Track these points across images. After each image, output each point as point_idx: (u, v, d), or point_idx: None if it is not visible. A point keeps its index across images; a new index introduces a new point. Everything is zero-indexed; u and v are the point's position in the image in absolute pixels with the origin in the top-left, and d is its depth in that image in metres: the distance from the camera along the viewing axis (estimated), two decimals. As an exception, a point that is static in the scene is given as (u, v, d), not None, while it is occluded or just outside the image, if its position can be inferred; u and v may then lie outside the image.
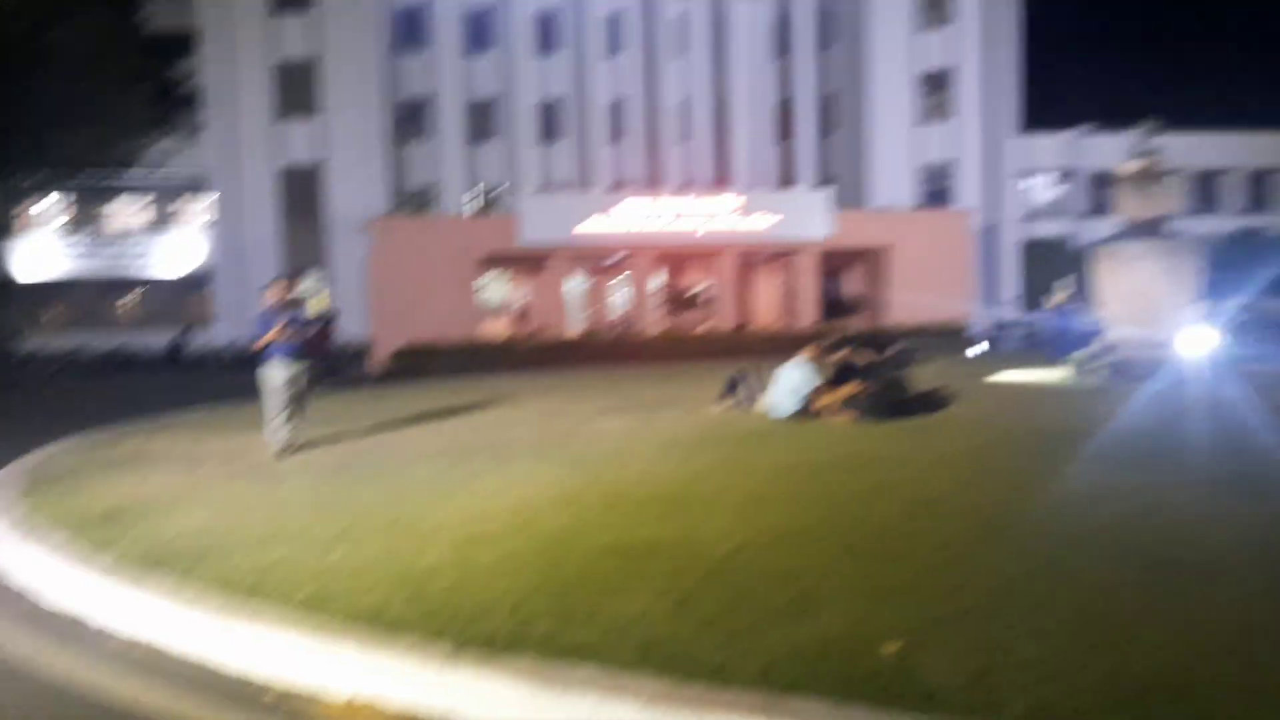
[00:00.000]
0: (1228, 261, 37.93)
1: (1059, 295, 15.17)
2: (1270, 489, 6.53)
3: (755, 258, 36.22)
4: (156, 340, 33.33)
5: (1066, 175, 42.60)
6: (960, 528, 5.65)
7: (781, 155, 40.01)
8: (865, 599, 4.37)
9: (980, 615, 4.14)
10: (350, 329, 33.24)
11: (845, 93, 39.55)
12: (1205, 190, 42.99)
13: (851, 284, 37.85)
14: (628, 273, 36.87)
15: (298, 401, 9.69)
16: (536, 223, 31.43)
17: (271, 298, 9.62)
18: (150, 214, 36.08)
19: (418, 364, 27.37)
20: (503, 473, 8.15)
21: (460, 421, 12.00)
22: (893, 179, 38.08)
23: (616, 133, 38.87)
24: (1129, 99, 47.62)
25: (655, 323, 33.59)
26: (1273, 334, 15.85)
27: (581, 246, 32.17)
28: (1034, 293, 38.37)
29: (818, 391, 10.55)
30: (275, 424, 9.58)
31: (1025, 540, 5.34)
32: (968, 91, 38.66)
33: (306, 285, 35.17)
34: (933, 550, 5.15)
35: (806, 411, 10.46)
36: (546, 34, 38.19)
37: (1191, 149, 41.64)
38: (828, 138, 39.81)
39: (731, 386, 12.09)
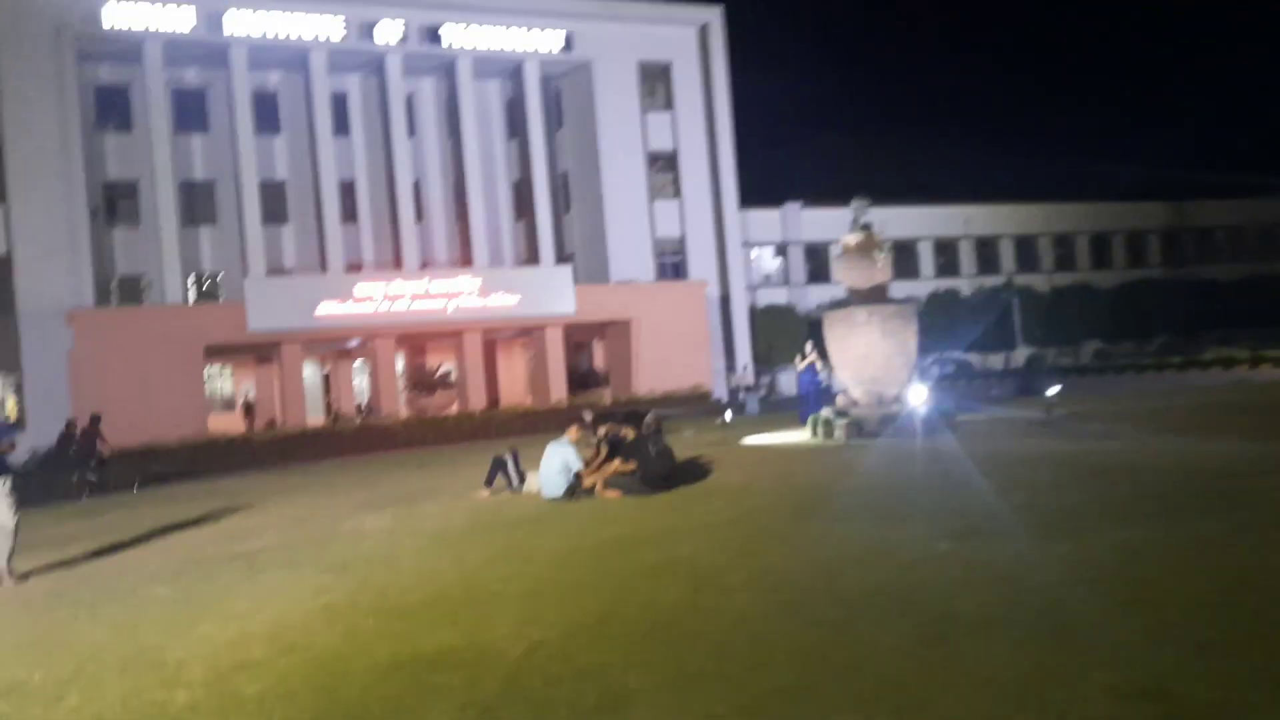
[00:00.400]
0: (928, 322, 42.05)
1: (807, 358, 16.08)
2: (1001, 533, 7.07)
3: (499, 336, 36.15)
4: None
5: (783, 247, 45.91)
6: (749, 600, 5.69)
7: (520, 233, 40.40)
8: (674, 689, 4.25)
9: (790, 694, 4.12)
10: (49, 436, 29.86)
11: (579, 171, 40.70)
12: (904, 257, 47.70)
13: (596, 357, 38.60)
14: (363, 359, 35.67)
15: (4, 525, 8.44)
16: (265, 309, 29.80)
17: None
18: None
19: (138, 469, 24.92)
20: (256, 587, 7.42)
21: (198, 531, 10.93)
22: (631, 253, 39.37)
23: (348, 214, 37.77)
24: (835, 176, 52.29)
25: (400, 408, 32.59)
26: (973, 385, 17.61)
27: (316, 331, 30.81)
28: (763, 357, 40.79)
29: (585, 470, 10.49)
30: None
31: (812, 607, 5.44)
32: (693, 171, 40.89)
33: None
34: (730, 627, 5.13)
35: (576, 490, 10.36)
36: (267, 113, 36.71)
37: (890, 220, 46.12)
38: (565, 215, 40.69)
39: (496, 470, 11.80)
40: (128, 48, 32.92)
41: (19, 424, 20.30)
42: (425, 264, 37.28)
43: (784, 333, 42.37)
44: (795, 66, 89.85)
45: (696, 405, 31.38)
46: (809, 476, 10.81)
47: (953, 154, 76.98)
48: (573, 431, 11.14)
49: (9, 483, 8.69)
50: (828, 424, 14.21)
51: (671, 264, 40.80)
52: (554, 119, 40.46)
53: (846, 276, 14.87)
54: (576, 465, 10.42)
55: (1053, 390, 14.50)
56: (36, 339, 31.07)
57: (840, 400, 14.69)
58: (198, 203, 35.70)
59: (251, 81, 34.94)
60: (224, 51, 33.95)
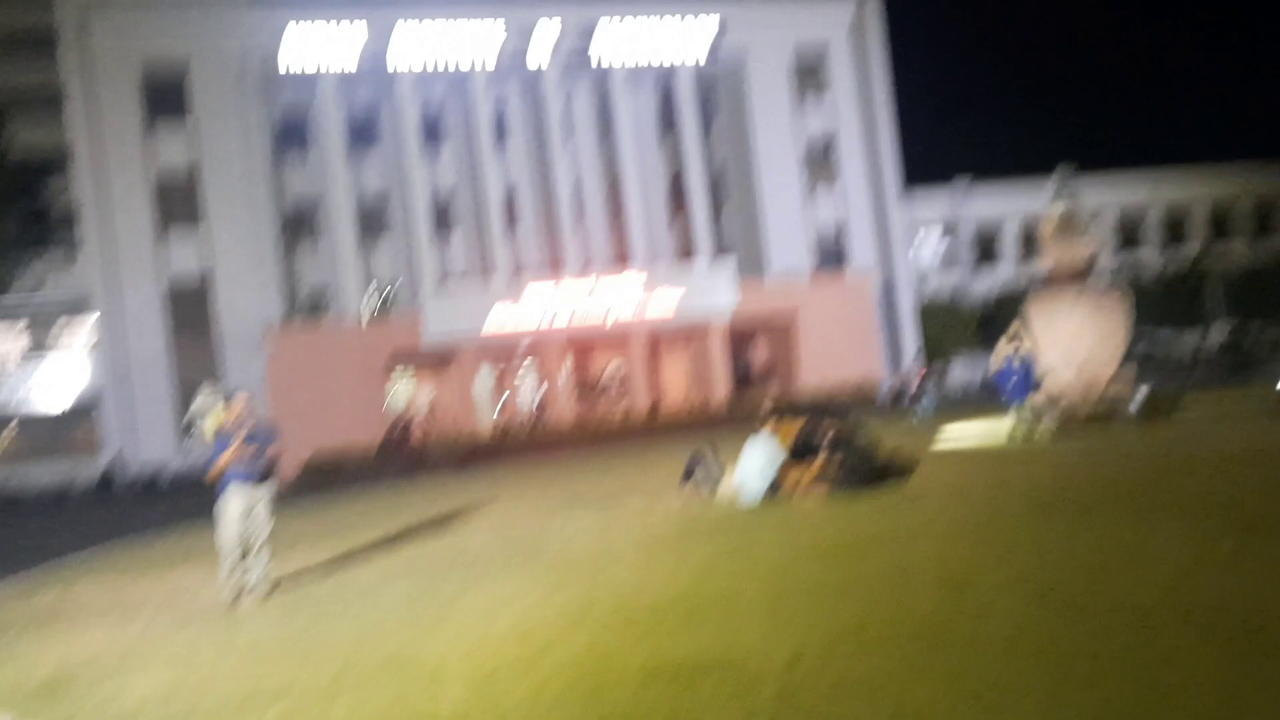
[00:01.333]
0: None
1: (1010, 343, 15.25)
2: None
3: (662, 334, 36.23)
4: (38, 474, 31.13)
5: (952, 227, 44.27)
6: (1016, 606, 5.32)
7: (676, 230, 40.43)
8: (976, 704, 3.97)
9: (1128, 713, 3.75)
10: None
11: (734, 162, 40.40)
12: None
13: (757, 354, 38.18)
14: (531, 359, 36.42)
15: (258, 534, 8.47)
16: (440, 320, 30.80)
17: (227, 417, 8.55)
18: (26, 340, 34.00)
19: (329, 475, 26.21)
20: (484, 589, 7.53)
21: (407, 533, 11.27)
22: (788, 245, 38.84)
23: (512, 220, 38.71)
24: (1002, 152, 50.11)
25: (567, 410, 33.04)
26: (1172, 367, 16.37)
27: (487, 338, 31.61)
28: (931, 348, 39.38)
29: (785, 469, 10.25)
30: (228, 564, 8.44)
31: (1095, 616, 5.00)
32: (850, 155, 39.97)
33: (201, 400, 33.52)
34: (1009, 636, 4.79)
35: (779, 488, 10.14)
36: (432, 128, 38.01)
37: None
38: (721, 209, 40.47)
39: (693, 468, 11.71)
40: (303, 83, 34.74)
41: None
42: (585, 265, 37.81)
43: (953, 320, 40.86)
44: (960, 35, 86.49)
45: (865, 400, 30.58)
46: (1026, 473, 10.20)
47: (1135, 119, 72.60)
48: (777, 426, 10.90)
49: (270, 492, 8.61)
50: (1033, 413, 13.46)
51: (831, 252, 40.02)
52: (708, 113, 40.27)
53: (1050, 254, 14.05)
54: (776, 464, 10.20)
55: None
56: (235, 352, 33.16)
57: (1045, 387, 13.89)
58: (372, 216, 37.27)
59: (416, 100, 36.25)
60: (390, 82, 35.40)
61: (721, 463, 11.73)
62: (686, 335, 36.12)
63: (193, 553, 11.86)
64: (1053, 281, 13.84)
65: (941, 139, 53.39)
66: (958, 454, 12.87)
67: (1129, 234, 45.56)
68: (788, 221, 39.06)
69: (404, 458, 24.68)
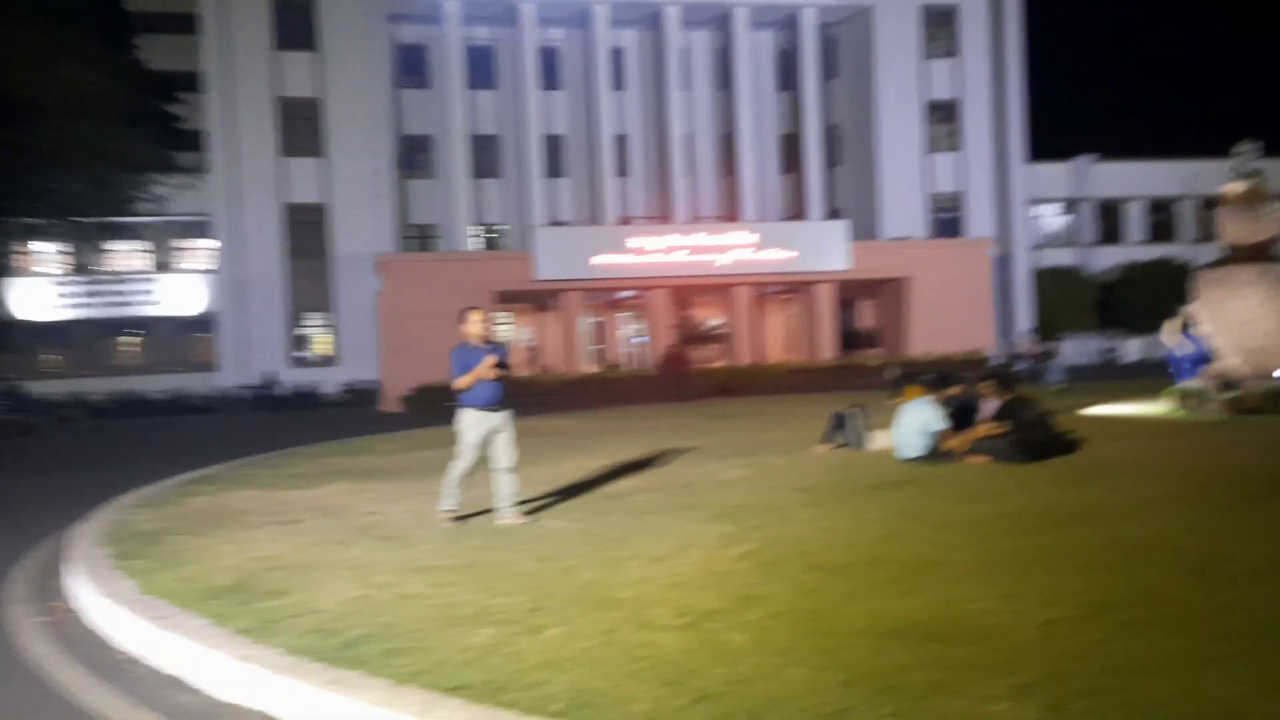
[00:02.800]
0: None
1: (1181, 320, 14.51)
2: None
3: (767, 291, 35.72)
4: (158, 384, 32.24)
5: (1073, 204, 42.58)
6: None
7: (788, 187, 39.69)
8: None
9: None
10: (358, 371, 32.36)
11: (851, 123, 39.36)
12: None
13: (864, 316, 37.42)
14: (634, 311, 36.27)
15: (501, 460, 7.75)
16: (551, 258, 30.78)
17: (473, 330, 7.74)
18: (153, 255, 35.09)
19: (434, 405, 26.50)
20: (651, 529, 7.32)
21: (544, 468, 11.18)
22: (903, 209, 37.80)
23: (622, 168, 38.44)
24: (1128, 129, 47.92)
25: (669, 360, 32.81)
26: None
27: (596, 282, 31.53)
28: (1046, 322, 38.04)
29: (944, 435, 9.85)
30: (452, 480, 7.84)
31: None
32: (975, 122, 38.57)
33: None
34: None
35: (936, 453, 9.76)
36: (550, 69, 37.77)
37: (1199, 175, 41.76)
38: (835, 169, 39.56)
39: (837, 426, 11.38)
40: (429, 8, 34.71)
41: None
42: (694, 218, 37.42)
43: (1070, 297, 39.41)
44: (1097, 5, 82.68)
45: (975, 370, 29.67)
46: (1211, 453, 9.60)
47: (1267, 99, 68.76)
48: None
49: (498, 416, 7.73)
50: (1200, 396, 12.76)
51: (947, 220, 38.85)
52: (828, 68, 39.22)
53: (1228, 231, 13.21)
54: (939, 426, 9.80)
55: None
56: (348, 282, 33.71)
57: (1211, 370, 13.15)
58: (485, 157, 37.35)
59: (538, 38, 36.02)
60: (515, 8, 35.14)
61: (869, 422, 11.38)
62: (793, 293, 35.57)
63: (340, 470, 12.00)
64: (1229, 260, 13.03)
65: (1070, 113, 51.10)
66: (1119, 425, 12.23)
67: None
68: (904, 185, 37.98)
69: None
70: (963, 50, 38.37)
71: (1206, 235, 42.50)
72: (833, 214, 37.92)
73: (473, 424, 7.67)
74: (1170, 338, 14.83)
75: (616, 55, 38.07)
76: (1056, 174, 41.33)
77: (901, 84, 37.91)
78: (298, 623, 5.34)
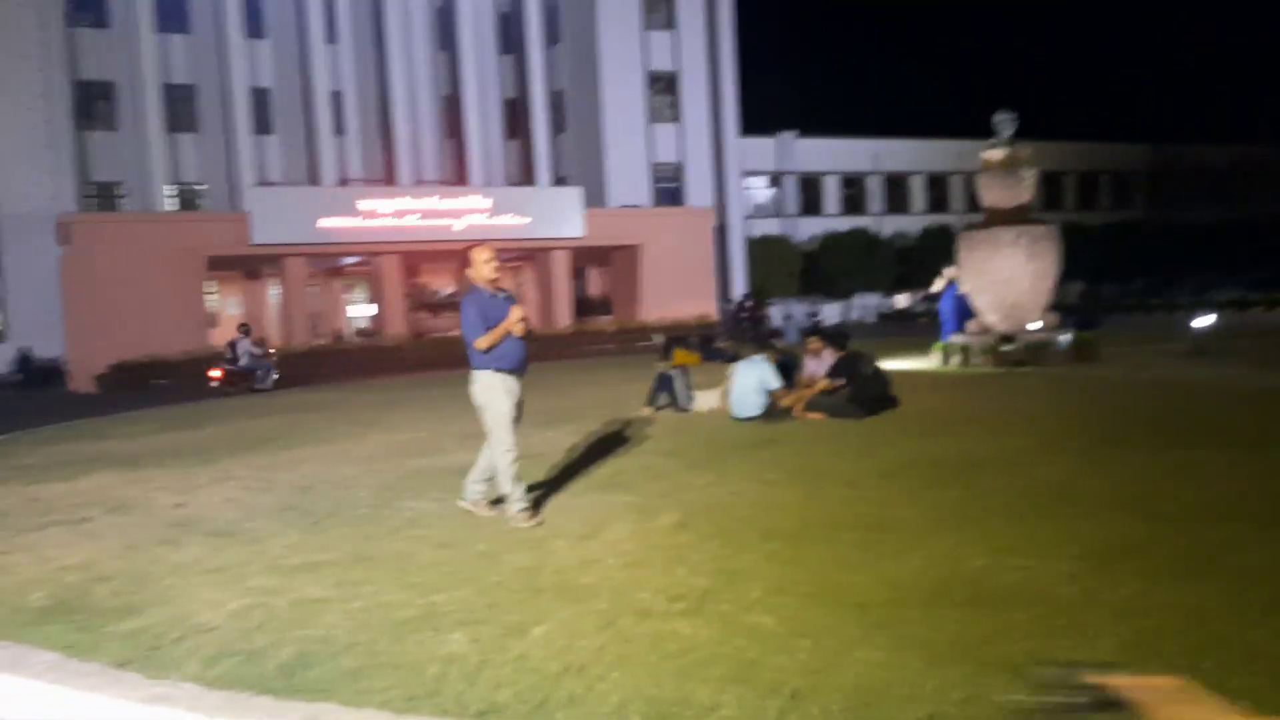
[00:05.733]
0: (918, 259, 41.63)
1: (946, 276, 15.43)
2: None
3: (502, 258, 34.90)
4: None
5: (777, 177, 45.20)
6: (1229, 530, 5.14)
7: (513, 153, 38.98)
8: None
9: None
10: (37, 347, 28.14)
11: (575, 90, 39.25)
12: (897, 192, 47.40)
13: (595, 283, 37.63)
14: (358, 279, 34.22)
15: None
16: (270, 220, 28.12)
17: (483, 274, 6.26)
18: None
19: (137, 383, 23.42)
20: (544, 505, 6.57)
21: (350, 444, 10.02)
22: (628, 177, 38.28)
23: (339, 126, 35.98)
24: (832, 106, 51.58)
25: (400, 328, 31.22)
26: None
27: (323, 246, 29.27)
28: (757, 288, 40.22)
29: (781, 391, 9.83)
30: (508, 471, 6.15)
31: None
32: (693, 94, 39.72)
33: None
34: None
35: (773, 411, 9.72)
36: (253, 15, 34.46)
37: (883, 153, 45.77)
38: (560, 136, 39.32)
39: (661, 387, 11.07)
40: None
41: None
42: (418, 181, 35.81)
43: (778, 265, 41.87)
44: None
45: (709, 332, 30.71)
46: (1023, 402, 10.26)
47: (950, 88, 76.62)
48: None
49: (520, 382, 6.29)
50: (964, 350, 13.72)
51: (668, 190, 39.84)
52: (551, 34, 38.80)
53: (988, 195, 14.24)
54: (774, 384, 9.75)
55: (1204, 321, 14.16)
56: (18, 245, 29.07)
57: (972, 326, 14.19)
58: (179, 109, 33.51)
59: (240, -22, 32.72)
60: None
61: (691, 383, 11.19)
62: (526, 260, 35.03)
63: (89, 458, 10.09)
64: (990, 222, 14.08)
65: (772, 91, 54.09)
66: (916, 378, 12.77)
67: (939, 195, 48.11)
68: (629, 154, 38.45)
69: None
70: (680, 23, 39.31)
71: (893, 208, 46.84)
72: (559, 181, 37.70)
73: (504, 391, 6.13)
74: (937, 289, 15.82)
75: (329, 5, 35.40)
76: (764, 148, 43.62)
77: (623, 53, 38.24)
78: (189, 646, 4.26)
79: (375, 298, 32.10)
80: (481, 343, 6.09)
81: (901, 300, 40.76)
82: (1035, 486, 6.31)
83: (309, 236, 28.42)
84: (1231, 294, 31.72)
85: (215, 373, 19.62)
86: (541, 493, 6.89)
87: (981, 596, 4.29)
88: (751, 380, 9.82)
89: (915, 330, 26.85)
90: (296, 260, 28.97)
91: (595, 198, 36.65)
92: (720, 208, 39.59)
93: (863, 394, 9.46)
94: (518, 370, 6.21)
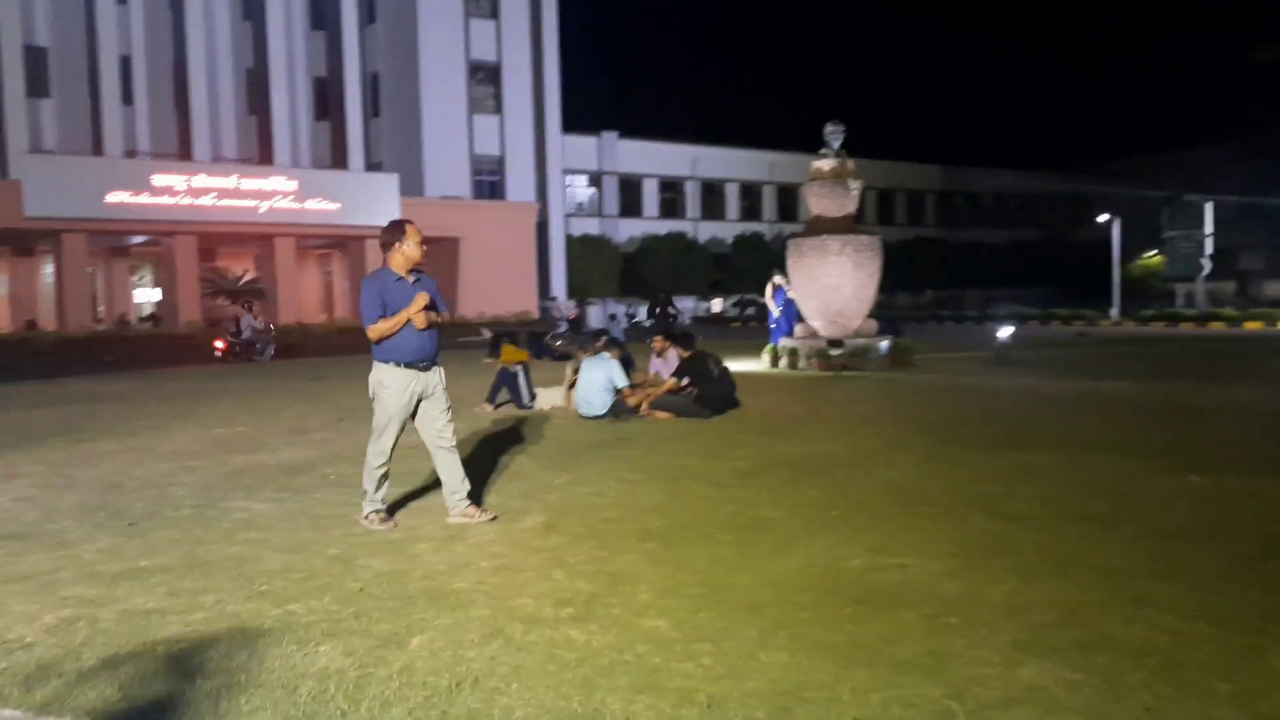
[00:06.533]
0: (736, 265, 42.91)
1: (775, 283, 15.69)
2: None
3: (309, 245, 33.31)
4: None
5: (598, 177, 45.34)
6: (1134, 535, 5.37)
7: (323, 135, 37.27)
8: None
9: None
10: None
11: (392, 74, 38.00)
12: (713, 198, 48.54)
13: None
14: (146, 260, 31.80)
15: (441, 433, 5.68)
16: (47, 192, 25.63)
17: (407, 254, 5.53)
18: None
19: None
20: (396, 506, 6.15)
21: (156, 437, 9.15)
22: (447, 168, 37.41)
23: (128, 94, 33.26)
24: (655, 110, 52.17)
25: (194, 315, 29.14)
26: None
27: (110, 223, 26.94)
28: (577, 287, 40.25)
29: (628, 390, 9.71)
30: (373, 469, 5.59)
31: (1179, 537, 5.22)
32: (516, 87, 39.26)
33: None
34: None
35: (620, 410, 9.58)
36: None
37: (701, 159, 46.73)
38: (374, 120, 37.92)
39: (502, 385, 10.70)
40: None
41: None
42: (217, 157, 33.62)
43: (598, 265, 42.00)
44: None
45: (537, 330, 30.35)
46: (859, 405, 10.56)
47: (764, 100, 79.06)
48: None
49: (433, 371, 5.66)
50: (793, 354, 14.04)
51: (489, 183, 39.21)
52: (367, 12, 37.37)
53: (817, 204, 14.60)
54: (621, 383, 9.61)
55: (1006, 331, 15.12)
56: None
57: (799, 330, 14.55)
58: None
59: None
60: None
61: (532, 380, 10.90)
62: (338, 248, 33.57)
63: None
64: (817, 231, 14.47)
65: (596, 90, 54.31)
66: (754, 385, 12.82)
67: (751, 204, 49.61)
68: (448, 144, 37.56)
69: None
70: (503, 13, 38.75)
71: (709, 214, 47.91)
72: (373, 167, 36.37)
73: (397, 386, 5.53)
74: (766, 298, 16.20)
75: (120, -40, 32.71)
76: (586, 147, 43.67)
77: (444, 40, 37.32)
78: (1, 667, 3.64)
79: (165, 281, 29.85)
80: (373, 331, 5.45)
81: (716, 304, 41.98)
82: (892, 486, 6.43)
83: (93, 211, 26.09)
84: (1014, 308, 34.43)
85: (219, 344, 21.10)
86: (392, 492, 6.45)
87: (869, 596, 4.26)
88: (598, 378, 9.63)
89: (731, 334, 27.53)
90: (76, 237, 26.51)
91: (412, 186, 35.55)
92: (542, 204, 39.32)
93: (709, 394, 9.47)
94: (417, 363, 5.55)
